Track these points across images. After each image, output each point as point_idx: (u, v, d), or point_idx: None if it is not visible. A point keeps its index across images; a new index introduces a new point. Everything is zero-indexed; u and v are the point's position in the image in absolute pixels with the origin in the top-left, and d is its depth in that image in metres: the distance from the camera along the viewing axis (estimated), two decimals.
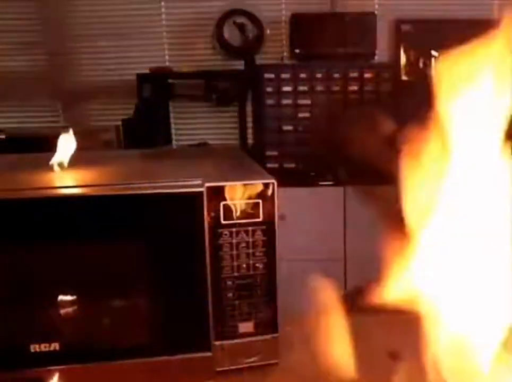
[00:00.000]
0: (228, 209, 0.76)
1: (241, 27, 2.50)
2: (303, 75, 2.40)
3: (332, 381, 0.76)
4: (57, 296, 0.77)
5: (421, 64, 2.60)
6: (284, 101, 2.42)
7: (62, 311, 0.78)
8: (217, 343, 0.80)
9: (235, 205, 0.76)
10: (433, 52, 2.63)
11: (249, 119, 2.59)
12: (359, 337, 0.96)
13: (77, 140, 0.91)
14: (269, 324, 0.81)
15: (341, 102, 2.40)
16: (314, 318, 0.80)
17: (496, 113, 0.60)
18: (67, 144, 0.89)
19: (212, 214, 0.76)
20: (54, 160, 0.87)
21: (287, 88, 2.41)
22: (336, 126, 2.16)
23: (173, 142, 2.78)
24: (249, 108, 2.60)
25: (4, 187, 0.75)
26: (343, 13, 2.46)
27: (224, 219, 0.76)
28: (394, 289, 0.65)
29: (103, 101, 2.76)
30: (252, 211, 0.77)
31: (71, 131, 0.89)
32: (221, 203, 0.76)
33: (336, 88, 2.40)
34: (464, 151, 0.62)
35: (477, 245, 0.62)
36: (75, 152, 0.91)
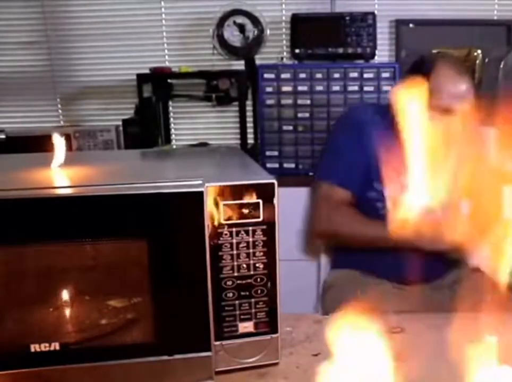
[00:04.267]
0: (228, 209, 0.76)
1: (241, 27, 2.50)
2: (302, 75, 2.40)
3: None
4: (57, 296, 0.77)
5: None
6: (284, 101, 2.42)
7: (62, 311, 0.78)
8: (217, 343, 0.80)
9: (235, 205, 0.76)
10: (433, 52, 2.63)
11: (249, 119, 2.59)
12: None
13: (77, 140, 0.91)
14: (269, 324, 0.81)
15: (341, 102, 2.41)
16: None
17: None
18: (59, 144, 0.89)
19: (212, 214, 0.76)
20: (55, 160, 0.87)
21: (286, 88, 2.41)
22: None
23: (173, 142, 2.78)
24: (249, 108, 2.60)
25: (4, 187, 0.74)
26: (343, 13, 2.46)
27: (224, 219, 0.76)
28: None
29: (103, 101, 2.76)
30: (252, 211, 0.77)
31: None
32: (221, 203, 0.76)
33: (336, 88, 2.40)
34: None
35: None
36: (75, 152, 0.92)
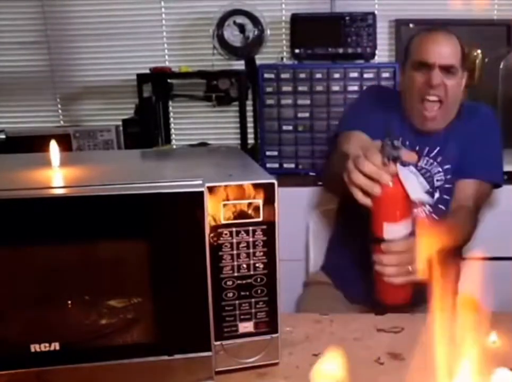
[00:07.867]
0: (228, 209, 0.76)
1: (241, 27, 2.50)
2: (302, 75, 2.40)
3: None
4: (57, 296, 0.77)
5: None
6: (284, 101, 2.43)
7: (62, 311, 0.78)
8: (217, 343, 0.80)
9: (235, 205, 0.76)
10: None
11: (250, 119, 2.59)
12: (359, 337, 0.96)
13: (77, 140, 0.91)
14: (269, 324, 0.82)
15: (341, 102, 2.41)
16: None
17: None
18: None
19: (212, 214, 0.76)
20: (55, 160, 0.87)
21: (286, 88, 2.42)
22: None
23: (173, 142, 2.78)
24: (249, 108, 2.60)
25: (4, 187, 0.74)
26: (343, 13, 2.46)
27: (224, 219, 0.76)
28: None
29: (103, 101, 2.76)
30: (252, 211, 0.77)
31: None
32: (221, 203, 0.76)
33: (336, 88, 2.40)
34: None
35: None
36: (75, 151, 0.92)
